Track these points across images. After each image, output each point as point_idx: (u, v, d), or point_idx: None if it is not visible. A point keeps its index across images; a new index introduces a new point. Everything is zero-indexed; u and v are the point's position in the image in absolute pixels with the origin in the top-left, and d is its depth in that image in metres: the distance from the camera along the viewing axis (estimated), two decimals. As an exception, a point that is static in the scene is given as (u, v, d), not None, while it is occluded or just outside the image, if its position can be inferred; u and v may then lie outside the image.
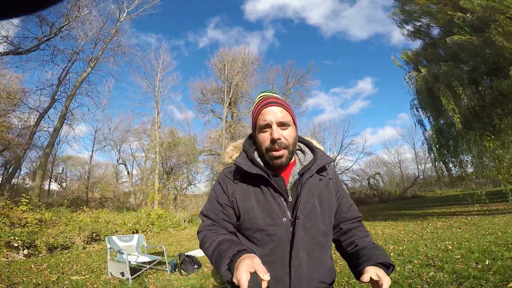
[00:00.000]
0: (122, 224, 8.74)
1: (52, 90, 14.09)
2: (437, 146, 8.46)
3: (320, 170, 1.03)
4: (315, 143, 1.13)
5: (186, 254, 5.08)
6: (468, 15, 9.10)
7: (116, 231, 7.98)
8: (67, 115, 14.05)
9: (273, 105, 0.98)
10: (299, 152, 1.10)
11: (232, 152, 1.12)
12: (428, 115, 9.16)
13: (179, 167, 25.50)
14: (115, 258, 4.61)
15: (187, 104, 51.19)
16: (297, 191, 0.99)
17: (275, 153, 0.96)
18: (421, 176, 32.31)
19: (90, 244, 7.15)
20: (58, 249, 6.43)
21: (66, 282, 4.01)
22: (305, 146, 1.11)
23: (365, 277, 0.84)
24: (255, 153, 1.04)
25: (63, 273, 4.51)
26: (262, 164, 1.01)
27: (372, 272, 0.84)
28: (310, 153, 1.08)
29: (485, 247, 4.28)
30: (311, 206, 0.97)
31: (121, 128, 26.55)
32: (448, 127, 8.38)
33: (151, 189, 17.23)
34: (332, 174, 1.10)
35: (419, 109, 9.42)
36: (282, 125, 0.97)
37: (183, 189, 24.86)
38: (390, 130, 62.40)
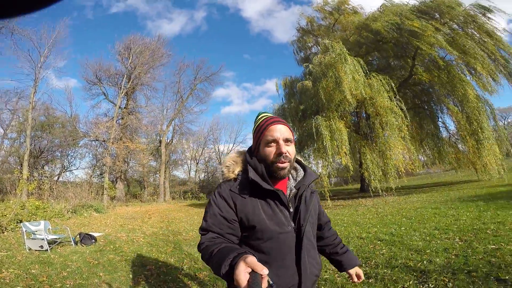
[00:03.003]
0: (1, 216, 8.91)
1: None
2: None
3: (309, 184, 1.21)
4: (299, 158, 1.27)
5: (84, 232, 7.00)
6: (315, 68, 12.87)
7: (-1, 222, 8.33)
8: None
9: (280, 123, 1.10)
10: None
11: (233, 167, 1.17)
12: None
13: (51, 150, 22.79)
14: (31, 237, 6.09)
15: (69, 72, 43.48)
16: (295, 203, 1.14)
17: (281, 165, 1.07)
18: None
19: (-24, 233, 7.52)
20: None
21: (-7, 257, 5.32)
22: (295, 163, 1.23)
23: (354, 278, 1.35)
24: (264, 169, 1.10)
25: (-20, 253, 5.59)
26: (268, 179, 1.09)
27: (353, 272, 1.36)
28: (301, 169, 1.22)
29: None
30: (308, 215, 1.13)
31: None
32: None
33: (17, 177, 15.45)
34: (313, 186, 1.29)
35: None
36: (287, 141, 1.09)
37: (54, 176, 22.50)
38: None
